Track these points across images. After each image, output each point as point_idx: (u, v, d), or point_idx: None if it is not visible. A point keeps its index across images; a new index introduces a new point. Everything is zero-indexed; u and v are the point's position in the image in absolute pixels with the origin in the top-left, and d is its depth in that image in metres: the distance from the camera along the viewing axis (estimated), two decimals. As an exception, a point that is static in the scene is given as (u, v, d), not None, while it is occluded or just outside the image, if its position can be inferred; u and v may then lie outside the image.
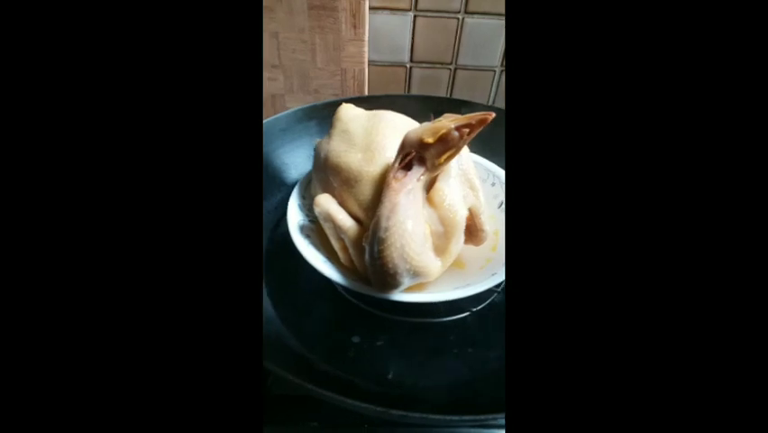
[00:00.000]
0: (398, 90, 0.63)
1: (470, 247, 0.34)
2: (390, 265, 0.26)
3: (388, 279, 0.26)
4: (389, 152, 0.31)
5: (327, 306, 0.35)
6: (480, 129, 0.25)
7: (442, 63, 0.61)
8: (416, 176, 0.27)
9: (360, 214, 0.31)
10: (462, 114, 0.27)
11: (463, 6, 0.55)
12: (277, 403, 0.31)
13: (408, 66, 0.61)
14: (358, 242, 0.30)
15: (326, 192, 0.33)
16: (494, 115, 0.25)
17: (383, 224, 0.26)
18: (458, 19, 0.56)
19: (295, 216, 0.35)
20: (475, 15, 0.55)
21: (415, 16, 0.56)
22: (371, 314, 0.33)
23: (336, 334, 0.33)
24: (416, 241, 0.26)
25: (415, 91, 0.63)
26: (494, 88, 0.63)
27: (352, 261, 0.31)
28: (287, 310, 0.34)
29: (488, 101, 0.64)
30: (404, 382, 0.30)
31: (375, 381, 0.30)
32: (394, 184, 0.27)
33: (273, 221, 0.42)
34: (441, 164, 0.27)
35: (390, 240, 0.25)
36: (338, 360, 0.31)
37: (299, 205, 0.37)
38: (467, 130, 0.26)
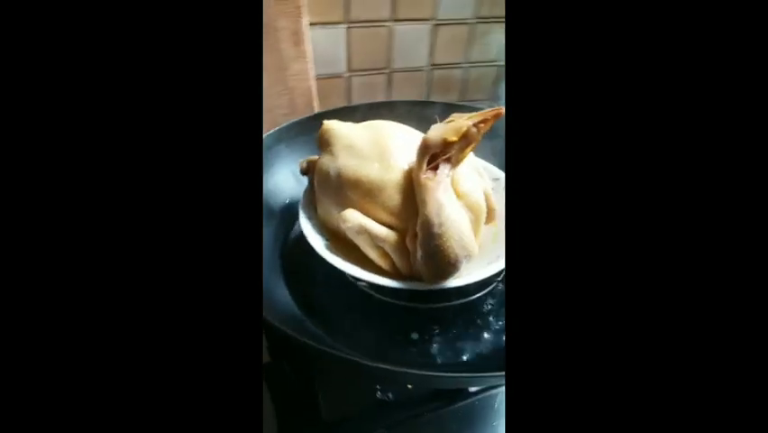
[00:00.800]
0: (341, 101, 0.65)
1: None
2: (452, 255, 0.28)
3: (449, 268, 0.29)
4: (403, 158, 0.33)
5: (373, 317, 0.36)
6: (494, 122, 0.29)
7: (377, 69, 0.64)
8: (446, 172, 0.30)
9: (389, 220, 0.32)
10: (443, 114, 0.31)
11: (392, 15, 0.59)
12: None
13: (347, 76, 0.63)
14: (400, 245, 0.31)
15: (344, 207, 0.34)
16: (503, 110, 0.29)
17: (435, 221, 0.28)
18: (388, 27, 0.60)
19: (317, 239, 0.35)
20: (403, 22, 0.60)
21: (348, 28, 0.58)
22: (419, 309, 0.35)
23: (397, 337, 0.34)
24: (468, 229, 0.29)
25: (356, 98, 0.66)
26: (426, 86, 0.69)
27: (393, 265, 0.32)
28: (338, 336, 0.34)
29: (425, 97, 0.70)
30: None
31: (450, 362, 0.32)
32: (430, 184, 0.29)
33: (278, 249, 0.41)
34: (463, 158, 0.30)
35: (448, 233, 0.28)
36: (410, 356, 0.32)
37: (312, 226, 0.37)
38: (482, 125, 0.29)
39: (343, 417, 0.35)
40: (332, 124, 0.38)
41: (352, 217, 0.32)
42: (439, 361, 0.33)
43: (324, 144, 0.38)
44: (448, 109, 0.34)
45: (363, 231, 0.32)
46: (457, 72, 0.69)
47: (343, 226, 0.33)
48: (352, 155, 0.34)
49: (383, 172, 0.33)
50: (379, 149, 0.34)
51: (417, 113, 0.49)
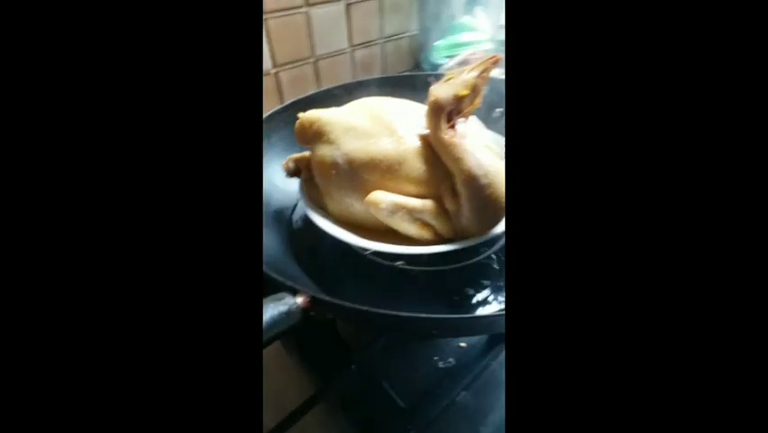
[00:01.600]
0: (273, 99, 0.60)
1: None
2: (503, 199, 0.29)
3: (502, 213, 0.30)
4: (411, 126, 0.33)
5: (420, 288, 0.35)
6: (493, 68, 0.31)
7: (303, 59, 0.61)
8: (463, 126, 0.31)
9: (417, 190, 0.32)
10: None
11: (305, 1, 0.56)
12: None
13: (273, 72, 0.58)
14: (439, 211, 0.31)
15: (361, 192, 0.32)
16: (501, 56, 0.31)
17: (479, 172, 0.29)
18: (304, 13, 0.57)
19: (345, 234, 0.33)
20: (317, 6, 0.57)
21: (265, 19, 0.53)
22: (465, 268, 0.36)
23: (453, 298, 0.34)
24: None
25: (287, 93, 0.61)
26: (351, 68, 0.68)
27: (436, 233, 0.32)
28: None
29: (350, 79, 0.69)
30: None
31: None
32: (456, 141, 0.30)
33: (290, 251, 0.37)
34: (472, 111, 0.31)
35: (496, 180, 0.29)
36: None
37: (333, 224, 0.34)
38: (485, 74, 0.31)
39: (420, 394, 0.35)
40: (316, 114, 0.35)
41: (383, 198, 0.31)
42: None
43: (314, 136, 0.35)
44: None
45: (398, 208, 0.31)
46: (376, 49, 0.70)
47: (375, 210, 0.31)
48: (357, 137, 0.33)
49: (397, 145, 0.32)
50: (383, 123, 0.33)
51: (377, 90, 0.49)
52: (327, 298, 0.21)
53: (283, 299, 0.21)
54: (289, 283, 0.23)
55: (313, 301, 0.22)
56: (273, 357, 0.40)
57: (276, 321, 0.20)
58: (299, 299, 0.21)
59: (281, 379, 0.38)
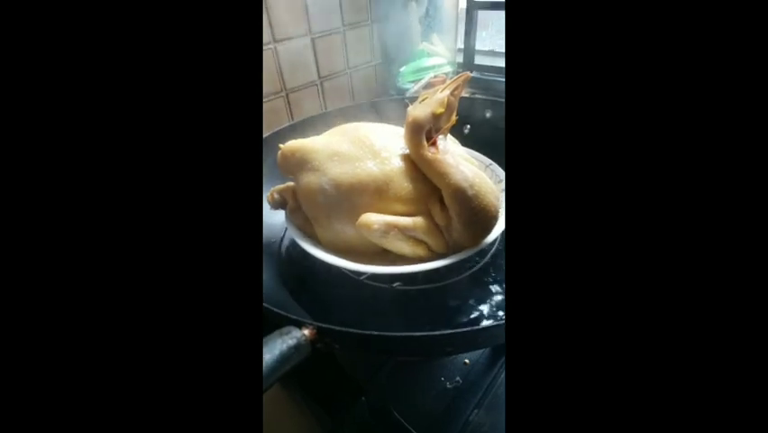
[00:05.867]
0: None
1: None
2: (493, 208, 0.30)
3: (493, 222, 0.30)
4: (392, 147, 0.33)
5: (420, 310, 0.35)
6: (464, 86, 0.32)
7: (274, 93, 0.61)
8: (444, 141, 0.32)
9: (406, 209, 0.32)
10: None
11: (272, 37, 0.57)
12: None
13: (244, 108, 0.58)
14: (430, 227, 0.31)
15: (351, 216, 0.32)
16: (470, 73, 0.32)
17: (465, 185, 0.29)
18: (272, 49, 0.58)
19: (338, 260, 0.32)
20: (284, 41, 0.59)
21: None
22: (459, 282, 0.36)
23: (452, 316, 0.34)
24: (489, 180, 0.31)
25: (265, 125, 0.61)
26: (321, 98, 0.69)
27: (430, 249, 0.32)
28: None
29: (322, 109, 0.70)
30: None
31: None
32: (440, 157, 0.30)
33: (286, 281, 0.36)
34: (449, 127, 0.33)
35: (482, 190, 0.29)
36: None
37: (325, 251, 0.34)
38: (456, 91, 0.32)
39: (433, 419, 0.34)
40: (297, 144, 0.35)
41: (375, 219, 0.31)
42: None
43: (297, 166, 0.35)
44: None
45: (391, 228, 0.31)
46: (343, 79, 0.72)
47: (367, 232, 0.31)
48: (342, 162, 0.33)
49: (382, 166, 0.32)
50: (365, 147, 0.33)
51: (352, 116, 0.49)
52: (336, 327, 0.21)
53: (290, 332, 0.20)
54: (293, 316, 0.22)
55: (320, 332, 0.21)
56: (273, 401, 0.37)
57: (286, 357, 0.19)
58: (306, 331, 0.21)
59: (285, 426, 0.35)
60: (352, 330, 0.21)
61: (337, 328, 0.21)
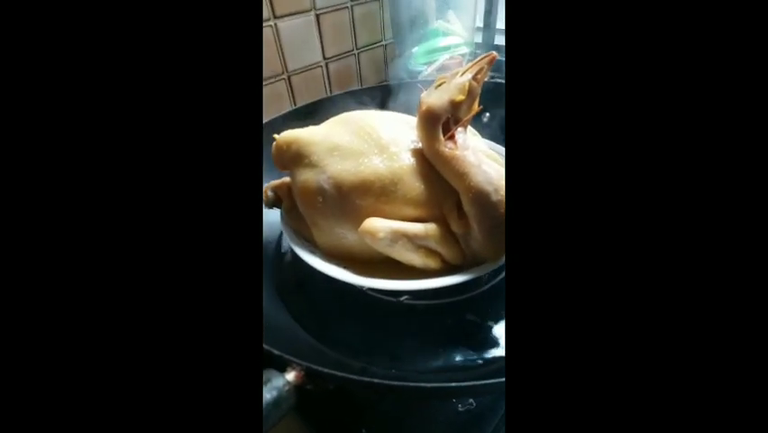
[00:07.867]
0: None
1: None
2: (520, 217, 0.25)
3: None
4: (402, 140, 0.29)
5: (425, 329, 0.31)
6: (489, 68, 0.27)
7: (275, 76, 0.56)
8: (463, 135, 0.27)
9: (417, 213, 0.28)
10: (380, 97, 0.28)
11: (271, 13, 0.51)
12: None
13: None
14: (445, 235, 0.27)
15: (354, 221, 0.28)
16: (495, 54, 0.27)
17: (489, 189, 0.24)
18: (272, 26, 0.52)
19: (337, 271, 0.28)
20: (285, 18, 0.53)
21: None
22: (473, 298, 0.31)
23: (462, 340, 0.30)
24: None
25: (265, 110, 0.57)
26: (326, 81, 0.64)
27: (444, 261, 0.28)
28: (400, 364, 0.28)
29: (327, 93, 0.65)
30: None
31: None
32: (459, 153, 0.26)
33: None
34: (471, 117, 0.28)
35: (509, 195, 0.25)
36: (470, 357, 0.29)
37: (323, 259, 0.30)
38: (479, 75, 0.27)
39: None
40: (294, 134, 0.31)
41: (380, 226, 0.26)
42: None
43: (293, 160, 0.30)
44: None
45: (399, 236, 0.26)
46: (351, 60, 0.66)
47: (371, 241, 0.27)
48: (343, 157, 0.28)
49: (390, 162, 0.28)
50: (371, 140, 0.29)
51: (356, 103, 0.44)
52: (327, 370, 0.17)
53: (269, 381, 0.16)
54: (276, 352, 0.18)
55: (308, 375, 0.17)
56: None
57: (264, 415, 0.15)
58: (290, 376, 0.17)
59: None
60: (349, 375, 0.17)
61: (327, 371, 0.17)
